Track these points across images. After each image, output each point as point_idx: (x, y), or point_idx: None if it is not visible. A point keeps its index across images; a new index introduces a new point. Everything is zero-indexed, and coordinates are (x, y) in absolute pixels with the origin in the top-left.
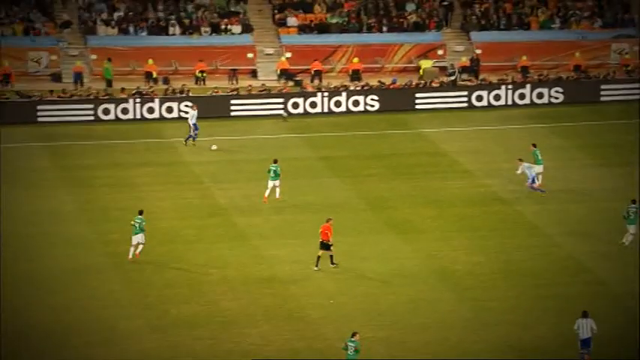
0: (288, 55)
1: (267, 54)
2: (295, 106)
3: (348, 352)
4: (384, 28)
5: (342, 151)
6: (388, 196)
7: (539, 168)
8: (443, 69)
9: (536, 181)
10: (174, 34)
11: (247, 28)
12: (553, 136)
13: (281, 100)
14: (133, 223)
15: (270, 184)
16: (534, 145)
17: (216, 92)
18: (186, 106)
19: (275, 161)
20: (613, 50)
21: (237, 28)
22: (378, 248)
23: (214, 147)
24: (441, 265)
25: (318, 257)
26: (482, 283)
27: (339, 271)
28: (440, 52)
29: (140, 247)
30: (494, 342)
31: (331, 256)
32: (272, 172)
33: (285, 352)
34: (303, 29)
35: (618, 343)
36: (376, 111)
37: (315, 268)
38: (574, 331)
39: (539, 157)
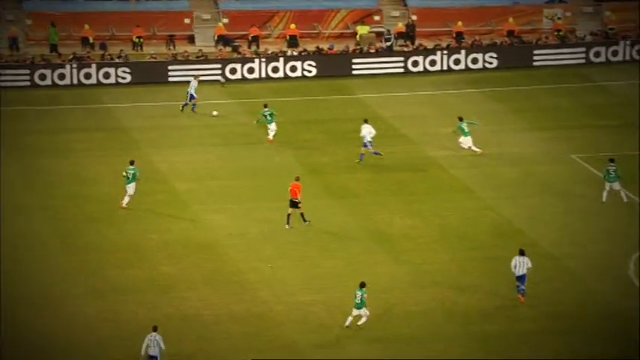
0: (225, 20)
1: (205, 19)
2: (233, 71)
3: (356, 300)
4: None
5: (279, 117)
6: (325, 161)
7: (467, 140)
8: (379, 35)
9: (368, 146)
10: None
11: None
12: (487, 100)
13: (218, 65)
14: (124, 174)
15: (271, 126)
16: (460, 119)
17: (154, 58)
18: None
19: (265, 105)
20: (545, 16)
21: None
22: (315, 212)
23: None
24: (378, 229)
25: (289, 215)
26: (418, 246)
27: (277, 236)
28: (376, 17)
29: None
30: (431, 304)
31: (302, 214)
32: (268, 116)
33: (223, 316)
34: None
35: (555, 299)
36: (314, 76)
37: (287, 226)
38: (510, 268)
39: (466, 130)
